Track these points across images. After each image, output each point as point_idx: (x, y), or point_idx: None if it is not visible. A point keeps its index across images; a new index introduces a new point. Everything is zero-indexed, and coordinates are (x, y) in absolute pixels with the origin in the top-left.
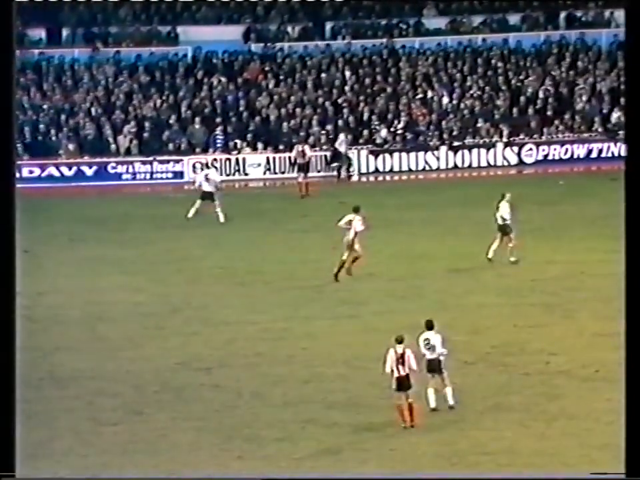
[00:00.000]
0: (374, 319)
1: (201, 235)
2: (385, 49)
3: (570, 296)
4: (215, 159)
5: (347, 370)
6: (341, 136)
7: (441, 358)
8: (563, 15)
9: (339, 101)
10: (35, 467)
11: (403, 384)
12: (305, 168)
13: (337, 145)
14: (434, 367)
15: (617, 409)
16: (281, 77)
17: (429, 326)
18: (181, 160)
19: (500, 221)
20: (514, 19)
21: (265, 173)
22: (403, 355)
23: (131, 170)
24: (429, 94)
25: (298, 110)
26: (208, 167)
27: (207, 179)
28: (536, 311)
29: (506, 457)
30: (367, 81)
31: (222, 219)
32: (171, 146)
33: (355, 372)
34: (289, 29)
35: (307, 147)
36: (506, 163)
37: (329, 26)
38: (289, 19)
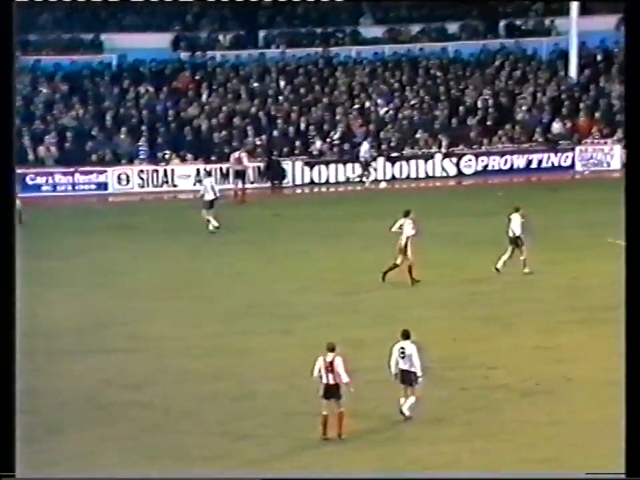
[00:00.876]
0: (310, 334)
1: (128, 248)
2: (321, 58)
3: (510, 309)
4: (142, 170)
5: (281, 386)
6: (365, 144)
7: (413, 370)
8: (502, 23)
9: (273, 111)
10: None
11: (330, 392)
12: (242, 175)
13: (361, 153)
14: (407, 378)
15: (557, 423)
16: (213, 87)
17: (405, 335)
18: (105, 171)
19: (511, 234)
20: (453, 27)
21: (194, 184)
22: (331, 363)
23: (50, 181)
24: (367, 104)
25: (230, 120)
26: (210, 175)
27: (212, 188)
28: (475, 324)
29: (445, 472)
30: (302, 90)
31: (216, 224)
32: (94, 157)
33: (290, 388)
34: (221, 37)
35: (244, 155)
36: (445, 174)
37: (262, 34)
38: (220, 27)
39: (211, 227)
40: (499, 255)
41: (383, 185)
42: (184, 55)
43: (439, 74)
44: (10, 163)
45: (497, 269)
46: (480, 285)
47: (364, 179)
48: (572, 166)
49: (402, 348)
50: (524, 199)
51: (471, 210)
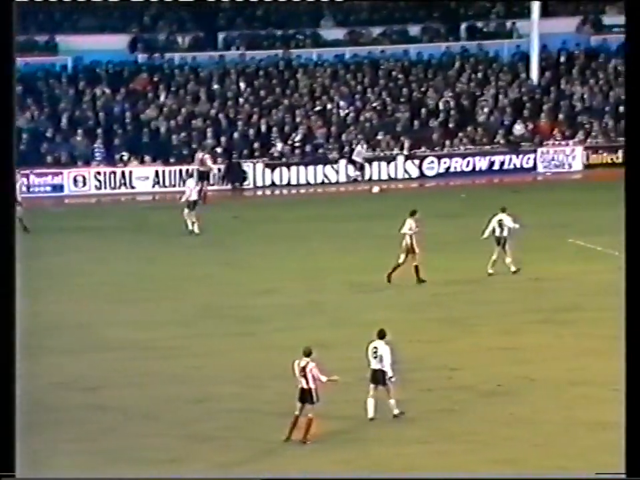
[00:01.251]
0: (271, 336)
1: (85, 250)
2: (282, 60)
3: (471, 310)
4: (99, 172)
5: (242, 389)
6: (359, 147)
7: (384, 369)
8: (463, 25)
9: (233, 113)
10: None
11: (303, 396)
12: (206, 177)
13: (354, 155)
14: (377, 377)
15: (519, 424)
16: (171, 88)
17: (380, 335)
18: (61, 173)
19: (497, 233)
20: (414, 30)
21: (153, 187)
22: (304, 368)
23: None
24: (328, 106)
25: (189, 122)
26: (192, 177)
27: (200, 189)
28: (438, 326)
29: (407, 474)
30: (263, 92)
31: (197, 229)
32: (49, 158)
33: (251, 391)
34: (179, 38)
35: (207, 156)
36: (407, 176)
37: (221, 36)
38: (178, 28)
39: (190, 227)
40: (488, 258)
41: (375, 189)
42: (141, 57)
43: (400, 76)
44: (10, 163)
45: (489, 274)
46: (442, 286)
47: (358, 179)
48: (534, 167)
49: (375, 347)
50: (486, 201)
51: (433, 212)
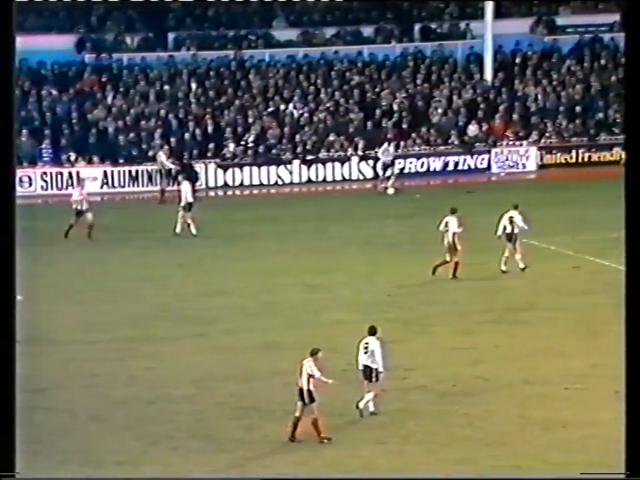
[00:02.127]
0: (224, 338)
1: (34, 251)
2: (233, 60)
3: (426, 310)
4: (45, 172)
5: (194, 390)
6: (385, 145)
7: (373, 366)
8: (417, 27)
9: (184, 113)
10: None
11: (301, 395)
12: (167, 176)
13: (379, 154)
14: (367, 373)
15: (474, 423)
16: (120, 89)
17: (372, 331)
18: None
19: (508, 230)
20: (368, 30)
21: (102, 187)
22: (302, 367)
23: None
24: (281, 107)
25: (138, 123)
26: (189, 179)
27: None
28: (392, 326)
29: (362, 475)
30: (215, 93)
31: (194, 230)
32: None
33: (204, 392)
34: (128, 39)
35: (164, 155)
36: (361, 177)
37: (171, 36)
38: (126, 29)
39: (181, 229)
40: (499, 256)
41: (391, 190)
42: (89, 57)
43: (354, 77)
44: (10, 163)
45: (502, 271)
46: (397, 287)
47: (384, 184)
48: (488, 168)
49: (366, 343)
50: (440, 201)
51: (388, 212)
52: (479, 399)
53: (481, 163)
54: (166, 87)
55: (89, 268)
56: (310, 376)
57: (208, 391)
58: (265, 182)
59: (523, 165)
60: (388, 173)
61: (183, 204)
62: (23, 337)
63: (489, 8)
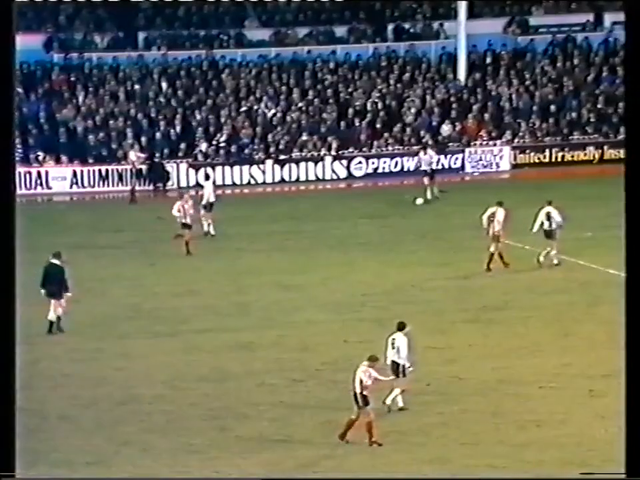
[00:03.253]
0: (196, 338)
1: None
2: (205, 60)
3: (401, 310)
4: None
5: (166, 390)
6: (429, 151)
7: (400, 362)
8: (390, 27)
9: (154, 113)
10: None
11: (356, 399)
12: (138, 174)
13: (421, 162)
14: (395, 369)
15: (448, 423)
16: (89, 88)
17: (400, 327)
18: None
19: (546, 227)
20: (340, 30)
21: (71, 187)
22: (356, 372)
23: None
24: (254, 107)
25: (107, 122)
26: (208, 179)
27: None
28: (366, 326)
29: (336, 475)
30: (186, 92)
31: (212, 230)
32: None
33: (175, 392)
34: (97, 38)
35: (135, 154)
36: (335, 177)
37: (142, 36)
38: (95, 28)
39: (206, 229)
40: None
41: (419, 201)
42: (57, 56)
43: (327, 77)
44: (10, 162)
45: (539, 263)
46: (370, 286)
47: (429, 195)
48: (462, 168)
49: (393, 339)
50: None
51: (361, 212)
52: (454, 398)
53: (455, 163)
54: (136, 87)
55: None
56: (362, 381)
57: (180, 391)
58: (237, 182)
59: (497, 164)
60: (426, 181)
61: (204, 202)
62: None
63: (462, 8)
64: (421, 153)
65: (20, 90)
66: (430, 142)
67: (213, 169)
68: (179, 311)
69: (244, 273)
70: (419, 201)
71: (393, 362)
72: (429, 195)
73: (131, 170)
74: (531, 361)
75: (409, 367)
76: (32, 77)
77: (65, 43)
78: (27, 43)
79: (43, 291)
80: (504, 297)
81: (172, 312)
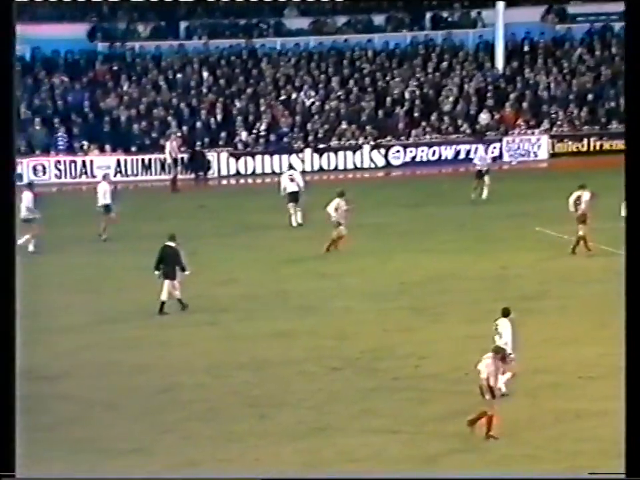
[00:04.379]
0: (235, 326)
1: (45, 239)
2: (244, 49)
3: (438, 299)
4: (59, 161)
5: (206, 379)
6: (480, 148)
7: (503, 346)
8: (428, 15)
9: (196, 102)
10: None
11: (481, 391)
12: (177, 163)
13: (476, 160)
14: (499, 351)
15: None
16: (132, 77)
17: (504, 313)
18: (20, 162)
19: (579, 211)
20: (379, 19)
21: (115, 175)
22: (481, 362)
23: None
24: (292, 95)
25: (151, 111)
26: (292, 168)
27: (292, 180)
28: (405, 314)
29: (373, 463)
30: (226, 81)
31: (300, 220)
32: None
33: (216, 380)
34: (140, 27)
35: (176, 143)
36: (373, 165)
37: (183, 25)
38: (138, 17)
39: (294, 222)
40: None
41: None
42: (101, 46)
43: (365, 65)
44: (10, 159)
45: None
46: (408, 275)
47: (476, 194)
48: (499, 156)
49: (497, 325)
50: (452, 190)
51: (399, 201)
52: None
53: (493, 152)
54: (178, 76)
55: (101, 256)
56: (488, 373)
57: (220, 379)
58: (276, 170)
59: (535, 153)
60: (486, 180)
61: (282, 194)
62: (34, 325)
63: None
64: (480, 152)
65: (65, 79)
66: (468, 130)
67: (253, 157)
68: (218, 299)
69: (282, 261)
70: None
71: (497, 347)
72: (484, 195)
73: (172, 159)
74: (568, 350)
75: (510, 354)
76: (76, 66)
77: (108, 32)
78: (71, 32)
79: (157, 273)
80: (541, 287)
81: (212, 300)
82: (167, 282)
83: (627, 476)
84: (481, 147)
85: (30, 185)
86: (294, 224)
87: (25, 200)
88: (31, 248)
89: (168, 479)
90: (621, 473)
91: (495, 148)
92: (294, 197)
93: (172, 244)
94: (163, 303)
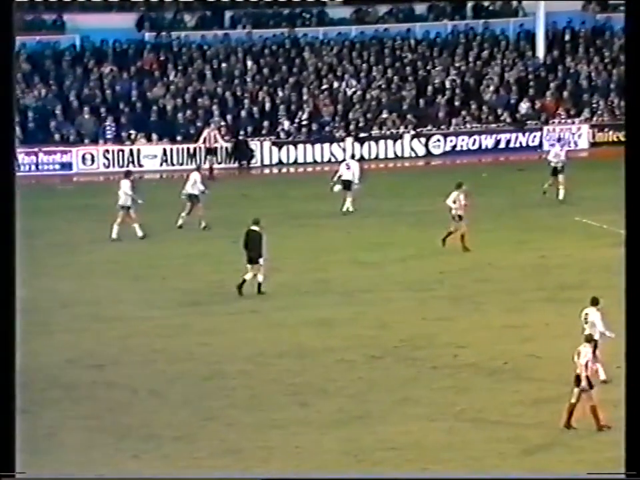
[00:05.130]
0: (277, 314)
1: (92, 228)
2: (288, 39)
3: (477, 288)
4: (107, 150)
5: (249, 366)
6: (557, 146)
7: (607, 334)
8: (469, 4)
9: (240, 91)
10: None
11: (578, 381)
12: (213, 153)
13: (550, 156)
14: (590, 340)
15: (524, 402)
16: (178, 67)
17: (593, 302)
18: (69, 151)
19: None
20: (420, 8)
21: (161, 165)
22: (579, 354)
23: None
24: (334, 84)
25: (196, 100)
26: (352, 157)
27: (348, 167)
28: (444, 303)
29: (413, 451)
30: (270, 71)
31: (350, 207)
32: (57, 136)
33: (258, 368)
34: (186, 17)
35: (215, 132)
36: (413, 154)
37: (228, 15)
38: (185, 7)
39: (345, 208)
40: None
41: None
42: (148, 35)
43: (406, 55)
44: (10, 156)
45: None
46: (447, 264)
47: (550, 192)
48: (540, 146)
49: (586, 314)
50: (492, 179)
51: (439, 190)
52: (530, 376)
53: (533, 141)
54: (222, 65)
55: (146, 245)
56: (586, 365)
57: (262, 367)
58: (318, 159)
59: (575, 142)
60: (560, 178)
61: (335, 180)
62: (81, 313)
63: None
64: (555, 148)
65: (113, 68)
66: (508, 119)
67: (295, 146)
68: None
69: (324, 250)
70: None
71: (587, 335)
72: (560, 196)
73: (207, 148)
74: (608, 340)
75: (610, 335)
76: (124, 55)
77: (155, 22)
78: (120, 22)
79: (245, 255)
80: (580, 276)
81: (253, 288)
82: (249, 266)
83: (627, 476)
84: (557, 144)
85: (128, 173)
86: (344, 210)
87: (124, 187)
88: (139, 233)
89: (168, 479)
90: (621, 473)
91: (535, 137)
92: (347, 184)
93: (256, 228)
94: (243, 281)
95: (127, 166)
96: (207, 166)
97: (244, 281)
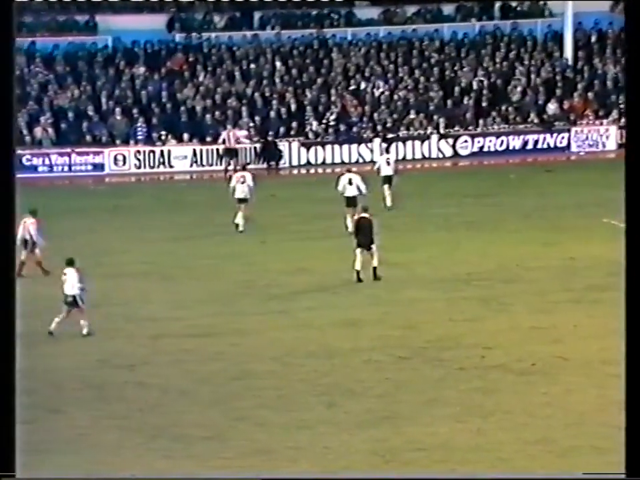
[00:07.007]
0: (305, 315)
1: (123, 228)
2: (316, 39)
3: (505, 289)
4: (139, 151)
5: (277, 367)
6: None
7: None
8: (497, 4)
9: (269, 92)
10: None
11: None
12: (234, 154)
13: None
14: None
15: (553, 403)
16: (208, 68)
17: None
18: (101, 152)
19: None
20: (448, 9)
21: (191, 165)
22: None
23: (47, 162)
24: (362, 85)
25: (225, 101)
26: (388, 152)
27: (388, 163)
28: (471, 304)
29: (441, 453)
30: (298, 72)
31: (389, 203)
32: (89, 137)
33: (286, 369)
34: (215, 18)
35: (234, 132)
36: (441, 155)
37: (257, 16)
38: (214, 8)
39: (389, 204)
40: None
41: None
42: (179, 36)
43: (434, 55)
44: (10, 156)
45: None
46: (475, 265)
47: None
48: (567, 147)
49: None
50: (519, 180)
51: (467, 191)
52: (558, 378)
53: (561, 142)
54: (251, 66)
55: (177, 245)
56: None
57: (290, 367)
58: (346, 160)
59: (603, 143)
60: None
61: (382, 176)
62: (112, 313)
63: None
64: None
65: (145, 69)
66: (536, 120)
67: (323, 147)
68: (289, 288)
69: (351, 250)
70: None
71: None
72: None
73: (227, 149)
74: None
75: None
76: (156, 57)
77: (186, 23)
78: (150, 23)
79: (355, 241)
80: (608, 278)
81: (282, 289)
82: (358, 251)
83: (627, 476)
84: None
85: (245, 167)
86: (386, 205)
87: (248, 179)
88: (240, 227)
89: (168, 479)
90: (621, 473)
91: (563, 138)
92: (387, 179)
93: (366, 215)
94: (358, 272)
95: (158, 167)
96: (224, 167)
97: (358, 272)
